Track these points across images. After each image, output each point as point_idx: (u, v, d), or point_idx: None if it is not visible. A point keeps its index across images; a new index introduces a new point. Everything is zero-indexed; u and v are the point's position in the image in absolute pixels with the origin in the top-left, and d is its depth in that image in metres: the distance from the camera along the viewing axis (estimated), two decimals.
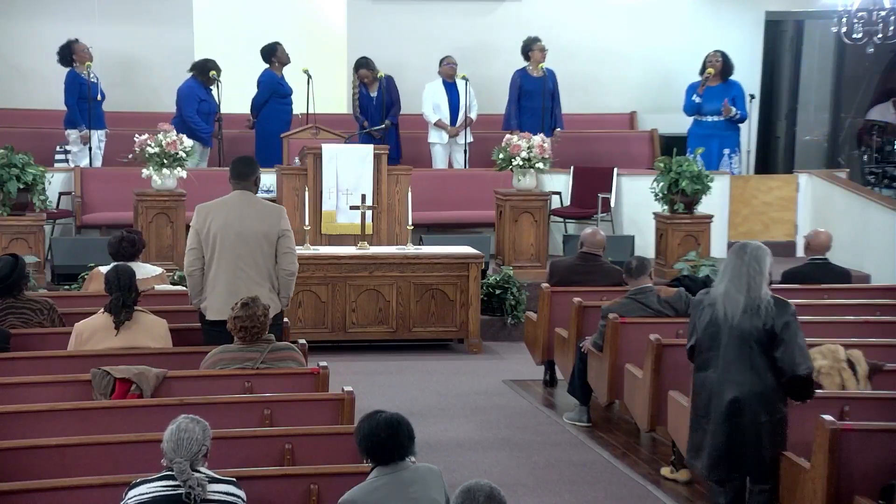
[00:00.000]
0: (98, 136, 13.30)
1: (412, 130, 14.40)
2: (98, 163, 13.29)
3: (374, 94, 13.73)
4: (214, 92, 13.41)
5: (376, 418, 4.99)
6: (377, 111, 13.72)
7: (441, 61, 14.06)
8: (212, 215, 7.52)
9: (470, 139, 13.88)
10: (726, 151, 13.66)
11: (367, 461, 5.02)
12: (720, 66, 13.61)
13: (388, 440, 4.92)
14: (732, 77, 13.72)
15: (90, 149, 13.16)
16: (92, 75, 13.15)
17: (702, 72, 13.66)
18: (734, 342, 6.23)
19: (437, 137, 14.06)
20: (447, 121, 13.92)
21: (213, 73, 13.32)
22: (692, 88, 13.70)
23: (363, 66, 13.80)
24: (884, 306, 9.10)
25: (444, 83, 13.97)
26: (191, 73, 13.47)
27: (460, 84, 13.81)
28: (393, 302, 10.74)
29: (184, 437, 4.87)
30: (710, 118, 13.58)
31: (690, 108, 13.71)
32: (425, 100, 13.96)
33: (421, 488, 4.91)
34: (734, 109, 13.51)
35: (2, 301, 7.56)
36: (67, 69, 13.25)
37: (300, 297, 10.55)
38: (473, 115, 13.97)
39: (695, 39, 15.03)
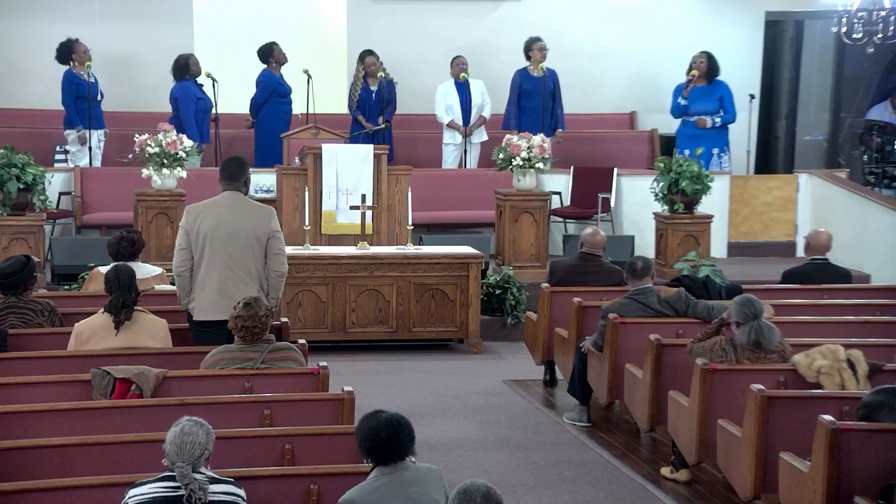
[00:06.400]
0: (97, 136, 13.30)
1: (410, 130, 14.39)
2: (98, 163, 13.28)
3: (374, 88, 13.69)
4: (209, 91, 13.40)
5: (377, 418, 4.99)
6: (375, 107, 13.68)
7: (452, 62, 14.00)
8: (202, 216, 7.50)
9: (485, 138, 13.88)
10: (715, 151, 13.63)
11: (367, 461, 5.02)
12: (705, 68, 13.58)
13: (388, 440, 4.92)
14: (720, 77, 13.67)
15: (90, 149, 13.15)
16: (90, 75, 13.15)
17: (688, 73, 13.66)
18: None
19: (450, 138, 14.02)
20: (459, 121, 13.90)
21: (203, 70, 13.31)
22: (678, 90, 13.69)
23: (370, 54, 13.74)
24: (884, 306, 9.10)
25: (456, 84, 13.94)
26: (180, 76, 13.38)
27: (472, 84, 13.79)
28: (393, 302, 10.73)
29: (187, 440, 4.87)
30: (697, 119, 13.57)
31: (677, 110, 13.70)
32: (437, 101, 13.91)
33: (421, 488, 4.91)
34: (709, 121, 13.50)
35: (4, 300, 7.58)
36: (65, 70, 13.23)
37: (300, 297, 10.56)
38: (487, 114, 13.95)
39: (695, 39, 14.98)
